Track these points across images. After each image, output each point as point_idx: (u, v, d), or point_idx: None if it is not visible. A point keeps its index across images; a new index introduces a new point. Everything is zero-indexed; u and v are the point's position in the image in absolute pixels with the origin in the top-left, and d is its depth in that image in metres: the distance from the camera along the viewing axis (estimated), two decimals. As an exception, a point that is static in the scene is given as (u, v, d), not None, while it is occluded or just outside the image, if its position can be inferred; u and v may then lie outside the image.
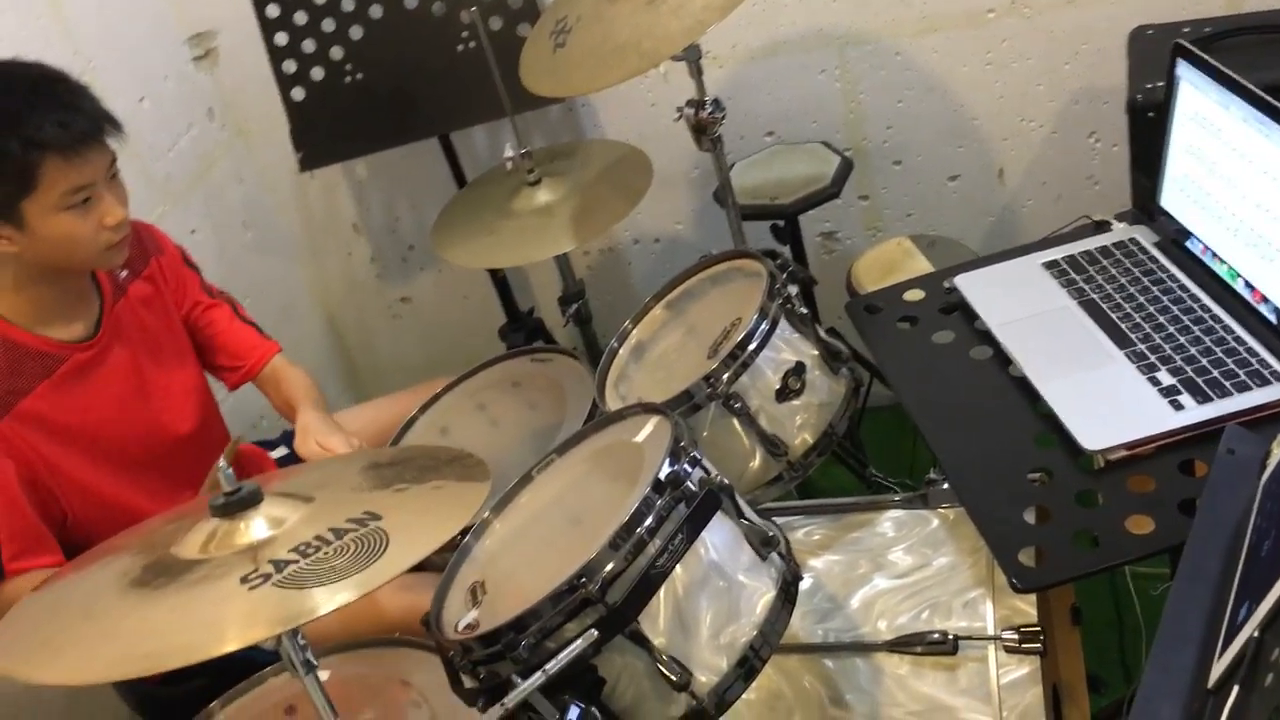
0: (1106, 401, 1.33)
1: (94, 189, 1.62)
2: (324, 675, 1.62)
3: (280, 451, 2.17)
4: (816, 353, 1.65)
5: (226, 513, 0.98)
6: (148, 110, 2.51)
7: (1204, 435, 1.27)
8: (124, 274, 1.86)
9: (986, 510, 1.29)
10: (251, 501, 0.99)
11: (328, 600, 0.89)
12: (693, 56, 1.88)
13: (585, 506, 1.49)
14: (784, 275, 1.66)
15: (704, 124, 1.93)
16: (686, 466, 1.32)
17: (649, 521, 1.27)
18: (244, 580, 0.91)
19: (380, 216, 2.87)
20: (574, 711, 1.23)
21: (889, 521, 1.69)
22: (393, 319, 3.03)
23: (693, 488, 1.30)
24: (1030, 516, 1.27)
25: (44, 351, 1.71)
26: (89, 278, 1.79)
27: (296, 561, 0.92)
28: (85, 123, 1.60)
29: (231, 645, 0.90)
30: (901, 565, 1.61)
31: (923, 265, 2.05)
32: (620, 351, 1.80)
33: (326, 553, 0.93)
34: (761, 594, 1.35)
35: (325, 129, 2.44)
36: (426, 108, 2.42)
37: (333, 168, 2.73)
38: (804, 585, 1.64)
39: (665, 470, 1.30)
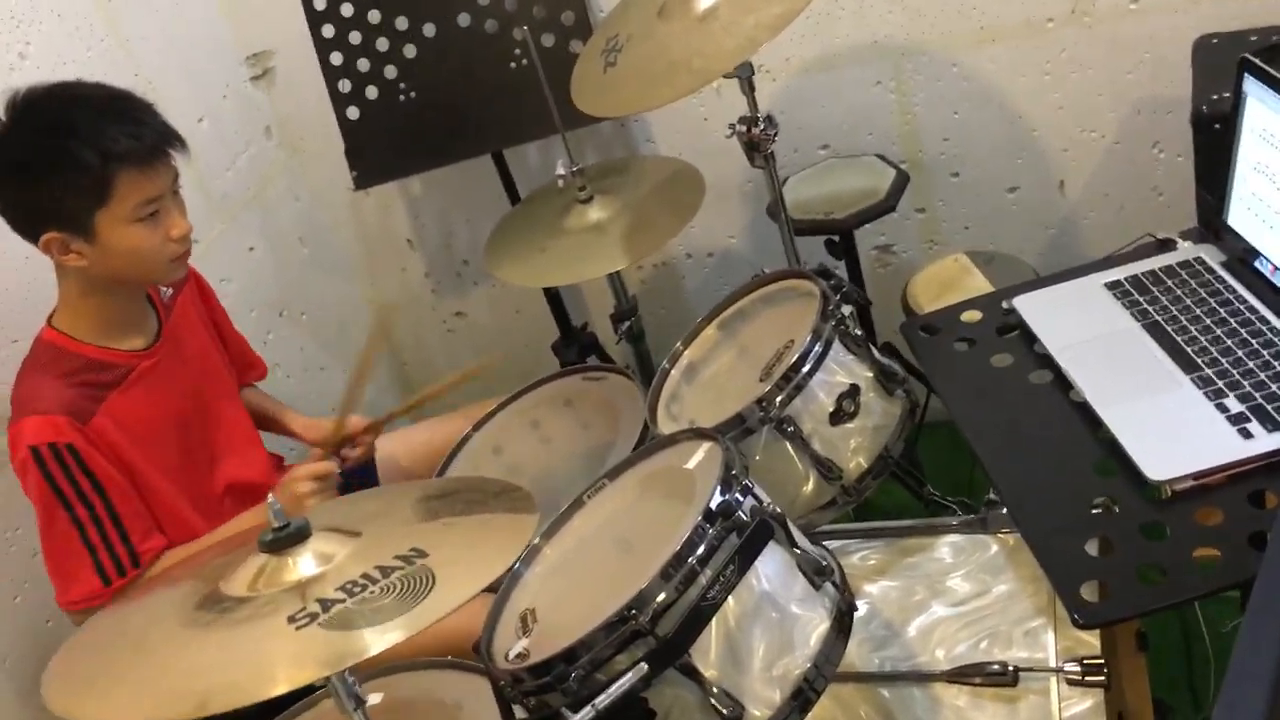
0: (1172, 429, 1.30)
1: (162, 202, 1.69)
2: (376, 698, 1.64)
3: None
4: (871, 374, 1.63)
5: (275, 548, 0.98)
6: (207, 129, 2.54)
7: (1275, 465, 1.23)
8: (168, 292, 1.91)
9: (1047, 542, 1.25)
10: (300, 537, 0.99)
11: (375, 642, 0.88)
12: (745, 73, 1.86)
13: (636, 533, 1.48)
14: (838, 296, 1.63)
15: (756, 141, 1.91)
16: (738, 495, 1.30)
17: (700, 552, 1.25)
18: (291, 620, 0.91)
19: (435, 232, 2.87)
20: (624, 745, 1.22)
21: (947, 546, 1.66)
22: (447, 333, 3.04)
23: (744, 517, 1.28)
24: (1093, 548, 1.24)
25: (113, 363, 1.76)
26: (144, 293, 1.84)
27: (343, 601, 0.92)
28: (155, 136, 1.68)
29: (282, 687, 0.89)
30: (960, 592, 1.58)
31: (980, 282, 2.01)
32: (672, 373, 1.78)
33: (373, 592, 0.93)
34: (815, 625, 1.32)
35: (379, 147, 2.45)
36: (479, 125, 2.42)
37: (387, 184, 2.75)
38: (860, 612, 1.62)
39: (716, 499, 1.28)
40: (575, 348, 2.64)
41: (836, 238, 2.32)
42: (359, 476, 2.17)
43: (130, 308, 1.81)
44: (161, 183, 1.68)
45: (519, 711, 1.30)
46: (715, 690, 1.25)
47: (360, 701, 0.98)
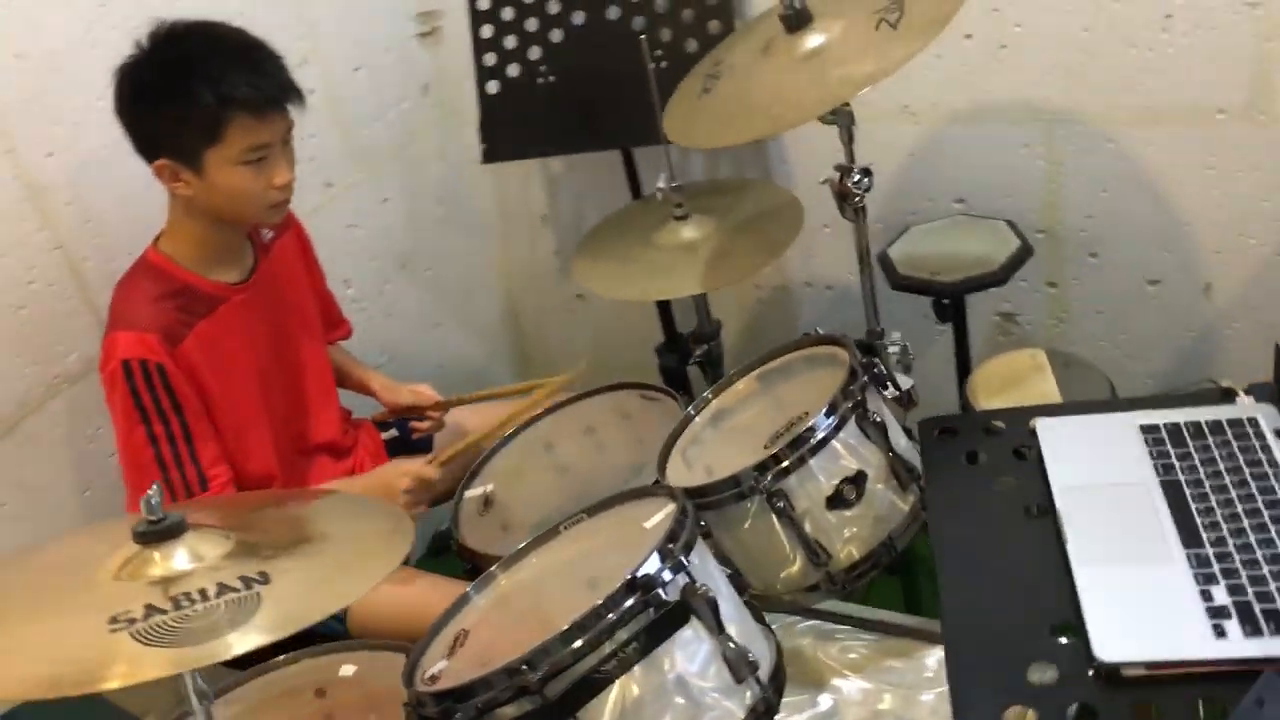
0: (1144, 607, 1.17)
1: (269, 150, 1.77)
2: (349, 670, 1.67)
3: (391, 433, 2.23)
4: (885, 464, 1.54)
5: (145, 541, 1.01)
6: (361, 79, 2.61)
7: (1237, 673, 1.10)
8: (269, 234, 1.99)
9: (968, 698, 1.16)
10: (171, 533, 1.01)
11: (154, 666, 0.88)
12: (844, 123, 1.77)
13: (598, 576, 1.45)
14: (865, 377, 1.55)
15: (847, 193, 1.82)
16: (668, 572, 1.26)
17: (606, 622, 1.22)
18: (112, 621, 0.93)
19: (567, 213, 2.89)
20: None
21: (934, 658, 1.58)
22: (567, 313, 3.05)
23: (663, 595, 1.24)
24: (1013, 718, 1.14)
25: (209, 292, 1.86)
26: (245, 231, 1.93)
27: (166, 612, 0.93)
28: (274, 88, 1.77)
29: (115, 682, 0.90)
30: (927, 709, 1.50)
31: (1048, 386, 1.86)
32: (696, 420, 1.73)
33: (198, 609, 0.94)
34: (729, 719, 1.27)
35: (512, 125, 2.47)
36: (609, 120, 2.40)
37: (531, 160, 2.77)
38: (823, 707, 1.56)
39: (643, 570, 1.25)
40: (676, 354, 2.61)
41: (946, 300, 2.21)
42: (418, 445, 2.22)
43: (230, 241, 1.90)
44: (272, 132, 1.76)
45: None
46: (598, 764, 1.22)
47: (207, 696, 1.00)
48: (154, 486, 1.01)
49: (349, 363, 2.25)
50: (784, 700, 1.56)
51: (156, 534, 1.00)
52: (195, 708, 1.00)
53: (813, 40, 1.70)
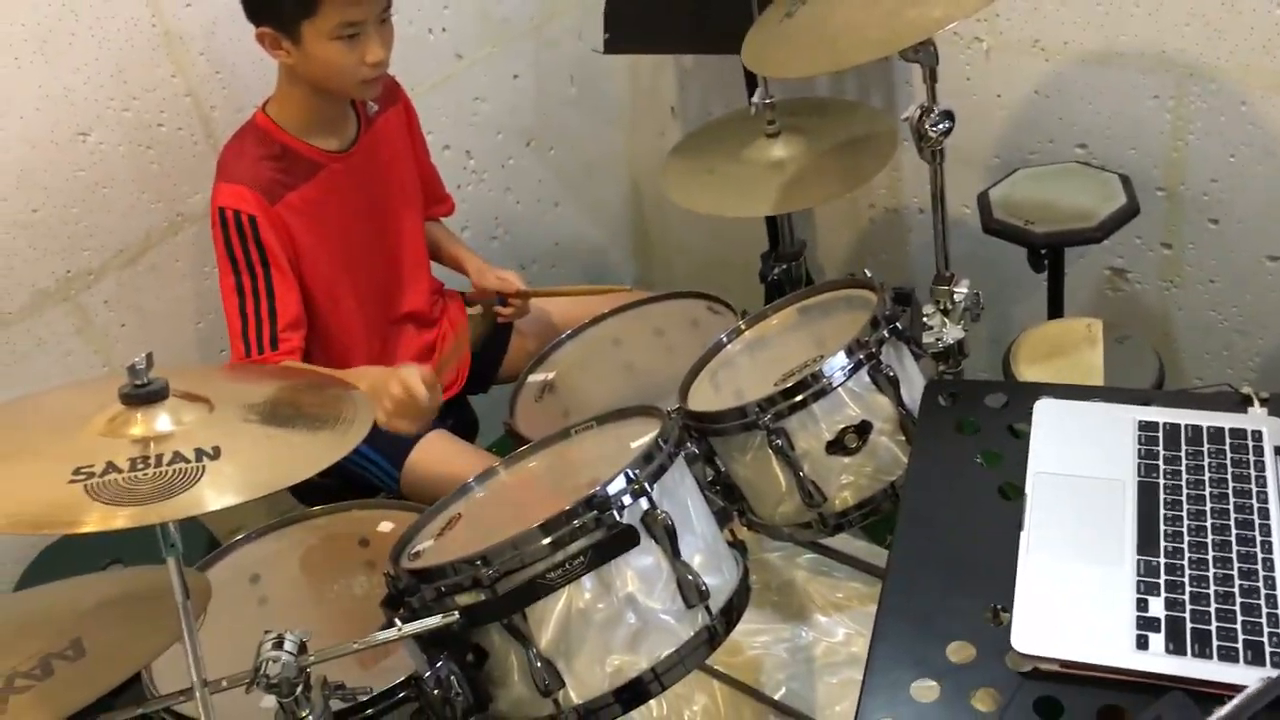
0: (1075, 605, 1.17)
1: (363, 27, 1.84)
2: (387, 526, 1.80)
3: (476, 309, 2.33)
4: (895, 417, 1.54)
5: (128, 402, 1.11)
6: (505, -47, 2.64)
7: (1148, 688, 1.09)
8: (373, 108, 2.06)
9: (882, 662, 1.19)
10: (153, 398, 1.11)
11: (92, 520, 0.99)
12: (926, 60, 1.72)
13: (584, 483, 1.51)
14: (886, 329, 1.54)
15: (924, 134, 1.78)
16: (628, 496, 1.31)
17: (561, 533, 1.29)
18: (75, 472, 1.04)
19: (695, 108, 2.88)
20: (436, 668, 1.31)
21: (920, 610, 1.59)
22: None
23: (616, 517, 1.29)
24: (919, 693, 1.16)
25: (309, 157, 1.96)
26: (348, 102, 2.01)
27: (121, 472, 1.04)
28: None
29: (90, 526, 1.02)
30: (894, 661, 1.52)
31: (1094, 361, 1.80)
32: (729, 346, 1.76)
33: (147, 474, 1.04)
34: (673, 639, 1.34)
35: (636, 18, 2.47)
36: (730, 24, 2.37)
37: (664, 52, 2.77)
38: (801, 640, 1.60)
39: (605, 490, 1.31)
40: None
41: (1044, 250, 2.15)
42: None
43: (333, 110, 1.99)
44: (364, 11, 1.83)
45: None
46: (539, 661, 1.30)
47: (175, 548, 1.11)
48: (143, 354, 1.11)
49: (448, 239, 2.33)
50: (765, 626, 1.64)
51: (138, 397, 1.11)
52: (164, 554, 1.12)
53: (901, -29, 1.64)
